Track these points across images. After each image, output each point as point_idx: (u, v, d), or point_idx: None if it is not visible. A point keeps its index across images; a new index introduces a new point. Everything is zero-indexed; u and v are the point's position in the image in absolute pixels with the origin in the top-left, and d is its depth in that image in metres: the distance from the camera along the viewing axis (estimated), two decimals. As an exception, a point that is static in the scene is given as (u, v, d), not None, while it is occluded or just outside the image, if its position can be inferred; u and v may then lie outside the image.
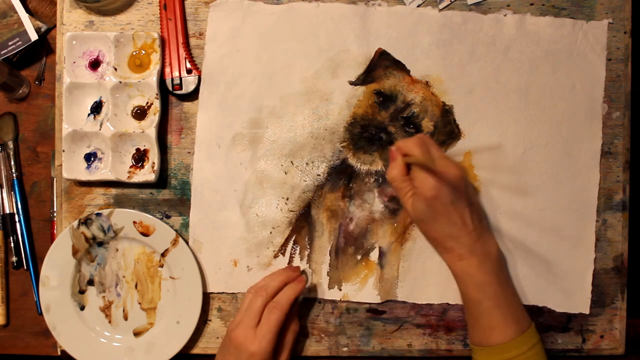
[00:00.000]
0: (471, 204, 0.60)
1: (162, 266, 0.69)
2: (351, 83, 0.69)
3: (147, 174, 0.67)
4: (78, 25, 0.70)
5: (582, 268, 0.68)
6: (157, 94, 0.67)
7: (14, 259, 0.72)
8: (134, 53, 0.68)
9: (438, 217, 0.59)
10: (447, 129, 0.68)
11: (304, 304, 0.69)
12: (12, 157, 0.73)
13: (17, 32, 0.71)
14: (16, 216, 0.72)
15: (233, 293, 0.69)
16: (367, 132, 0.68)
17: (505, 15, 0.69)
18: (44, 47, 0.74)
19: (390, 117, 0.68)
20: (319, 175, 0.69)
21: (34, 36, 0.71)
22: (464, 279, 0.60)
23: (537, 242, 0.68)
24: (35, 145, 0.73)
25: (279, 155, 0.69)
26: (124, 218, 0.67)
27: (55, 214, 0.71)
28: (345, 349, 0.69)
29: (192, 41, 0.70)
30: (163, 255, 0.68)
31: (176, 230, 0.68)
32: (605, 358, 0.70)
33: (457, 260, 0.60)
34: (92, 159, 0.69)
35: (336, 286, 0.68)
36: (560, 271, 0.68)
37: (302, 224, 0.69)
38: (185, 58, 0.68)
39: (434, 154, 0.59)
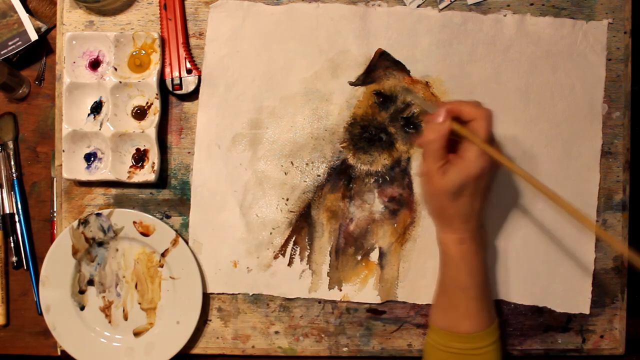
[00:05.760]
0: (489, 193, 0.60)
1: (162, 266, 0.69)
2: (351, 83, 0.69)
3: (147, 174, 0.67)
4: (78, 25, 0.70)
5: (582, 268, 0.68)
6: (157, 94, 0.67)
7: (14, 259, 0.72)
8: (134, 53, 0.68)
9: (465, 196, 0.57)
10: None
11: (304, 304, 0.69)
12: (12, 157, 0.73)
13: (17, 32, 0.71)
14: (16, 216, 0.72)
15: (233, 294, 0.69)
16: (367, 133, 0.68)
17: (505, 16, 0.69)
18: (44, 47, 0.74)
19: (390, 118, 0.68)
20: (319, 175, 0.69)
21: (34, 36, 0.71)
22: (458, 263, 0.60)
23: (537, 242, 0.68)
24: (35, 145, 0.73)
25: (279, 155, 0.69)
26: (124, 218, 0.67)
27: (55, 214, 0.71)
28: (345, 349, 0.69)
29: (192, 41, 0.70)
30: (163, 255, 0.68)
31: (176, 231, 0.68)
32: (605, 358, 0.70)
33: (458, 243, 0.60)
34: (92, 159, 0.69)
35: (336, 286, 0.68)
36: (560, 271, 0.68)
37: (302, 225, 0.69)
38: (185, 58, 0.68)
39: (481, 135, 0.56)
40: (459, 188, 0.57)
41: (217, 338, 0.70)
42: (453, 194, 0.57)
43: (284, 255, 0.68)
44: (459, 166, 0.56)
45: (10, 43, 0.71)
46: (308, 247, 0.68)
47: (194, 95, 0.69)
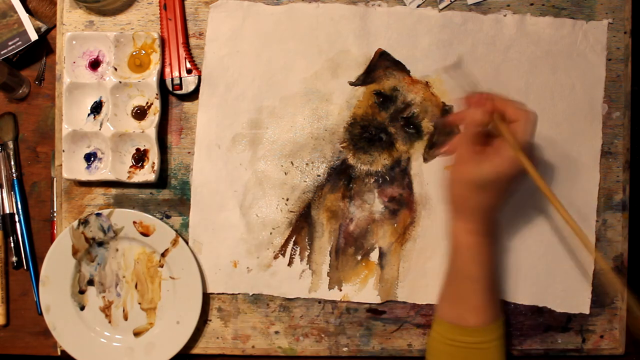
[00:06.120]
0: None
1: (162, 266, 0.69)
2: (351, 83, 0.69)
3: (147, 174, 0.67)
4: (78, 25, 0.70)
5: (582, 268, 0.68)
6: (157, 94, 0.67)
7: (14, 259, 0.72)
8: (134, 53, 0.68)
9: (491, 192, 0.57)
10: (447, 130, 0.68)
11: (304, 304, 0.69)
12: (12, 157, 0.73)
13: (17, 32, 0.71)
14: (16, 216, 0.72)
15: (233, 294, 0.69)
16: (367, 133, 0.68)
17: (505, 16, 0.69)
18: (44, 47, 0.74)
19: (390, 118, 0.68)
20: (319, 175, 0.69)
21: (34, 36, 0.71)
22: (470, 254, 0.60)
23: (537, 242, 0.68)
24: (35, 145, 0.73)
25: (279, 155, 0.69)
26: (124, 218, 0.67)
27: (55, 214, 0.71)
28: (345, 349, 0.69)
29: (192, 41, 0.70)
30: (163, 255, 0.68)
31: (176, 231, 0.68)
32: (605, 358, 0.70)
33: (471, 233, 0.59)
34: (92, 159, 0.69)
35: (336, 286, 0.68)
36: (560, 271, 0.68)
37: (302, 225, 0.69)
38: (185, 58, 0.68)
39: (521, 138, 0.55)
40: (487, 183, 0.56)
41: (217, 338, 0.70)
42: (480, 187, 0.57)
43: (284, 255, 0.68)
44: (493, 162, 0.56)
45: (10, 43, 0.71)
46: (308, 247, 0.68)
47: (194, 95, 0.69)
